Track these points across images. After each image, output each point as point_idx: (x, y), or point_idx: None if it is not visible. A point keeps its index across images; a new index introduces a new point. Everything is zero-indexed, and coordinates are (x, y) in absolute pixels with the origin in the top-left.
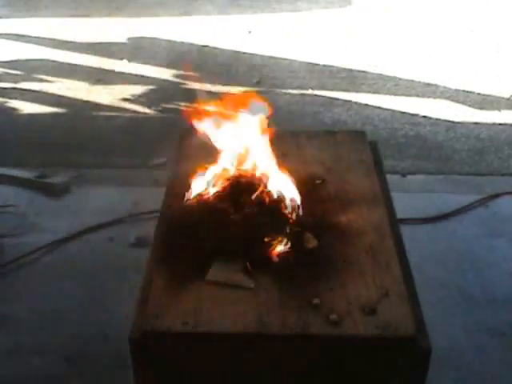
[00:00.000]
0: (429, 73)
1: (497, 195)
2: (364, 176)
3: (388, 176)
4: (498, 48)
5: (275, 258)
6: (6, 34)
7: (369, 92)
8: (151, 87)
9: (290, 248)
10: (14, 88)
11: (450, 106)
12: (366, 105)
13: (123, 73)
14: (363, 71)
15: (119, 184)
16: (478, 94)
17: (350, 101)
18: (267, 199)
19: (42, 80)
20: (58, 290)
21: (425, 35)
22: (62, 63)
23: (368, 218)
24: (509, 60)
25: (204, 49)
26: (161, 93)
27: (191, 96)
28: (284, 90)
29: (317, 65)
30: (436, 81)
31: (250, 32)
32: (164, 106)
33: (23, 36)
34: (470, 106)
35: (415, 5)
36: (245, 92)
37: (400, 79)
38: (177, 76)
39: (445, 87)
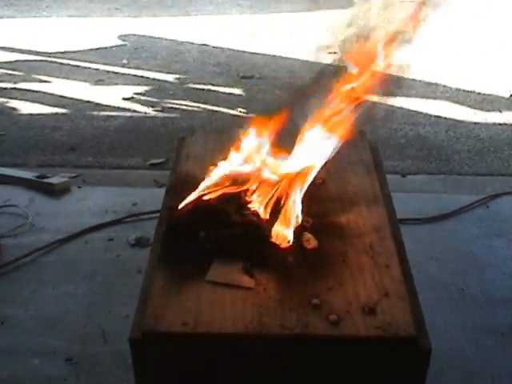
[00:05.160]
0: (429, 73)
1: (497, 195)
2: (364, 176)
3: (388, 176)
4: (499, 48)
5: (275, 258)
6: (6, 34)
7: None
8: (151, 87)
9: (289, 248)
10: (14, 88)
11: (450, 106)
12: None
13: (123, 73)
14: None
15: (119, 184)
16: (478, 93)
17: None
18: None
19: (41, 80)
20: (57, 290)
21: (425, 35)
22: (62, 63)
23: (368, 217)
24: (509, 60)
25: (204, 48)
26: (161, 93)
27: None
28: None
29: (317, 64)
30: (436, 81)
31: None
32: (164, 106)
33: (24, 36)
34: (469, 106)
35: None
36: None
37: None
38: (177, 76)
39: (445, 87)
